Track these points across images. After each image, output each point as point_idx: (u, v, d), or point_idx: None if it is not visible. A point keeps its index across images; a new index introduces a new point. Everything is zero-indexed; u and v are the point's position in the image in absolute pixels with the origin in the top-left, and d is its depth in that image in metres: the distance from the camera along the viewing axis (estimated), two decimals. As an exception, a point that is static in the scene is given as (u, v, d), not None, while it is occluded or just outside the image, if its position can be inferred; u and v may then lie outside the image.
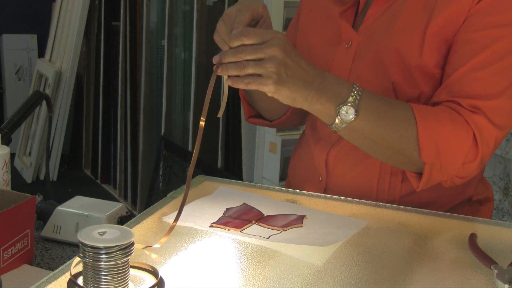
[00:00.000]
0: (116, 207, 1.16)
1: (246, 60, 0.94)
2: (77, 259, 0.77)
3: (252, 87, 0.96)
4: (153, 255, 0.88)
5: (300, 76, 0.97)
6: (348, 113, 1.00)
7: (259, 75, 0.95)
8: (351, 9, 1.21)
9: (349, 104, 1.00)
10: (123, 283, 0.74)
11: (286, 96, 0.98)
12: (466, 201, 1.22)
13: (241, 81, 0.96)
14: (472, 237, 0.96)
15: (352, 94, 1.01)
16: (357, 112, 1.01)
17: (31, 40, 4.69)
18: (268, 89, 0.96)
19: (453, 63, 1.09)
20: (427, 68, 1.10)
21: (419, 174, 1.08)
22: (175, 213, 1.02)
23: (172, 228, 0.93)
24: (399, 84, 1.12)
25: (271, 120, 1.32)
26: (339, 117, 1.01)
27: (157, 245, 0.90)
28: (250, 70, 0.95)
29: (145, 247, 0.89)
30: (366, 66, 1.15)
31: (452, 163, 1.05)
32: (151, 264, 0.81)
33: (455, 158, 1.05)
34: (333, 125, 1.02)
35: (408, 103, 1.08)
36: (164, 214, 1.03)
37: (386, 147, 1.05)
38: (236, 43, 0.95)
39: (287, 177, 1.39)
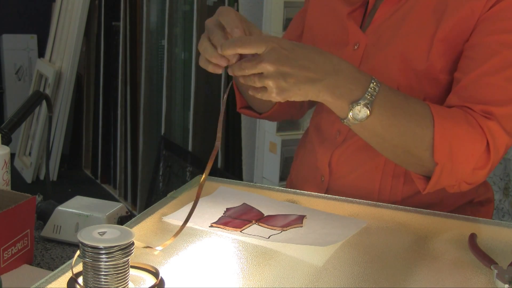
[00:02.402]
0: (116, 207, 1.16)
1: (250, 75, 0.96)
2: (76, 257, 0.77)
3: (259, 96, 0.98)
4: (153, 255, 0.88)
5: (304, 79, 0.95)
6: (361, 112, 0.98)
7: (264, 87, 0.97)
8: (360, 9, 1.19)
9: (362, 103, 0.98)
10: (123, 283, 0.74)
11: (296, 98, 0.98)
12: (468, 203, 1.21)
13: (250, 90, 0.99)
14: (472, 237, 0.96)
15: (368, 92, 0.98)
16: (371, 111, 0.98)
17: (31, 40, 4.68)
18: (274, 99, 0.97)
19: (464, 68, 1.07)
20: (433, 73, 1.09)
21: (426, 177, 1.06)
22: (175, 213, 1.03)
23: (178, 232, 0.92)
24: (405, 88, 1.10)
25: (260, 113, 1.31)
26: (351, 114, 0.99)
27: (159, 248, 0.89)
28: (255, 84, 0.97)
29: (145, 247, 0.89)
30: (373, 69, 1.12)
31: (463, 167, 1.03)
32: (151, 264, 0.81)
33: (466, 162, 1.02)
34: (345, 120, 1.00)
35: (425, 101, 1.05)
36: (164, 214, 1.03)
37: (396, 146, 1.03)
38: (228, 52, 0.95)
39: (289, 177, 1.38)
